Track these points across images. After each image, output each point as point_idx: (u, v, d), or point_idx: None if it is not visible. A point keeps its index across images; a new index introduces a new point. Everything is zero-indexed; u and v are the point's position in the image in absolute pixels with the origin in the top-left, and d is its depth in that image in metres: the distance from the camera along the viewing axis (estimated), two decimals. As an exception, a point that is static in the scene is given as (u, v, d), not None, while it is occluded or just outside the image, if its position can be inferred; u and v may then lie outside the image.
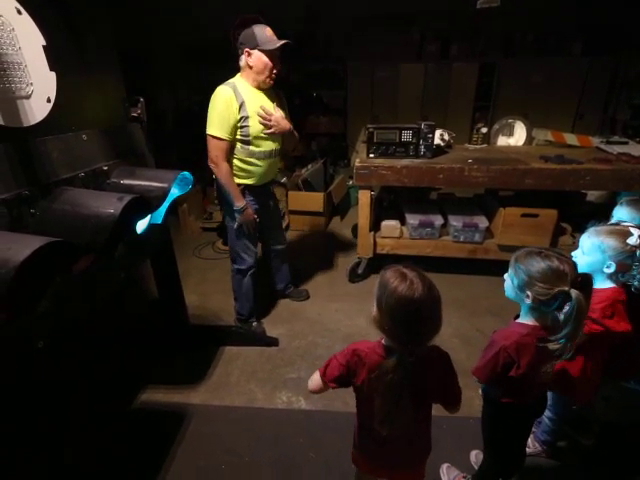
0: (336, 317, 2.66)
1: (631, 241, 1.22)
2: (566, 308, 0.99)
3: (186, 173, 1.60)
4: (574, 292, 0.96)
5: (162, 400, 1.99)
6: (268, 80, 2.06)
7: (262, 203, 2.28)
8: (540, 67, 5.34)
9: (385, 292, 0.93)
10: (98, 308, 1.66)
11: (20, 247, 0.83)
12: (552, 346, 1.04)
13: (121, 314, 1.95)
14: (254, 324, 2.52)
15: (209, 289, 3.06)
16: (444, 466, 1.61)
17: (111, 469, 1.62)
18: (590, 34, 5.08)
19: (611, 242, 1.25)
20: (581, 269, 1.05)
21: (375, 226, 3.03)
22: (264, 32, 1.97)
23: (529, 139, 3.43)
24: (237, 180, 2.13)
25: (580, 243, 1.36)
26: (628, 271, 1.26)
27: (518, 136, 3.35)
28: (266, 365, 2.24)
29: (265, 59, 1.99)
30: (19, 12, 1.13)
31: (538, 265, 1.04)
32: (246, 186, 2.16)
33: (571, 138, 3.43)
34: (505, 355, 1.12)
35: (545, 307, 1.04)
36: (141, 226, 1.53)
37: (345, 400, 1.95)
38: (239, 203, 2.09)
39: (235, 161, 2.11)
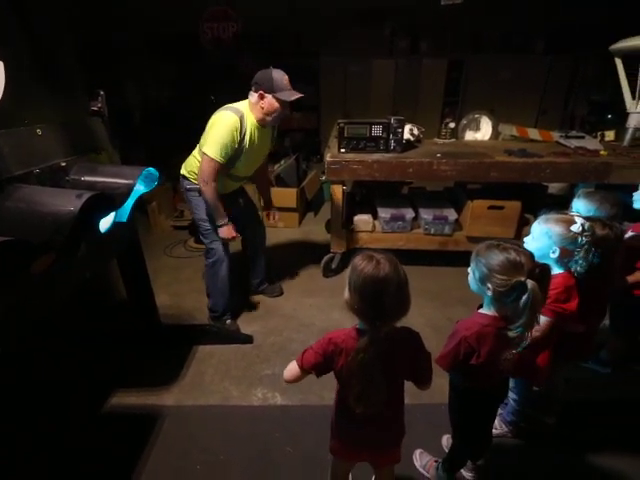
0: (311, 312, 2.68)
1: (574, 228, 1.30)
2: (523, 298, 1.03)
3: (151, 169, 1.56)
4: (530, 282, 1.01)
5: (134, 403, 1.94)
6: (274, 123, 2.16)
7: (231, 202, 2.30)
8: (506, 64, 5.52)
9: (354, 273, 0.98)
10: (62, 310, 1.59)
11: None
12: (511, 334, 1.10)
13: (87, 316, 1.88)
14: (228, 321, 2.49)
15: (181, 288, 2.99)
16: (417, 452, 1.66)
17: (83, 472, 1.58)
18: (552, 33, 5.30)
19: (556, 228, 1.33)
20: (533, 253, 1.11)
21: (348, 221, 3.06)
22: (282, 80, 2.01)
23: (495, 134, 3.54)
24: None
25: (531, 230, 1.43)
26: (571, 256, 1.34)
27: (484, 131, 3.45)
28: (241, 363, 2.22)
29: (277, 105, 2.03)
30: (-39, -3, 1.06)
31: (497, 258, 1.08)
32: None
33: (534, 133, 3.57)
34: (466, 345, 1.17)
35: (505, 298, 1.08)
36: (105, 225, 1.47)
37: (321, 394, 1.97)
38: (221, 220, 2.14)
39: None
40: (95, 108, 1.65)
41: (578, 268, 1.34)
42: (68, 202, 1.10)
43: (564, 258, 1.36)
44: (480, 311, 1.21)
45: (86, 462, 1.63)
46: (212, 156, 1.98)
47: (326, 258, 3.07)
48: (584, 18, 4.95)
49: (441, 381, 1.58)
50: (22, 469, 1.59)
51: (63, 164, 1.38)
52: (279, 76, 2.00)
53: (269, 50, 5.64)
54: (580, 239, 1.30)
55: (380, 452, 1.24)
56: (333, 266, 3.10)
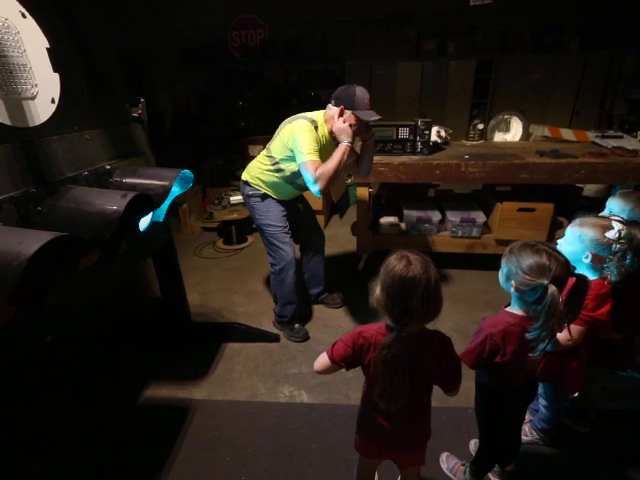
0: (336, 313, 2.70)
1: (609, 235, 1.25)
2: (542, 302, 1.03)
3: (187, 171, 1.63)
4: (551, 287, 1.00)
5: (166, 396, 2.02)
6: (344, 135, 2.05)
7: (288, 205, 2.31)
8: (537, 63, 5.37)
9: (385, 271, 1.01)
10: (103, 304, 1.70)
11: (30, 241, 0.86)
12: (528, 336, 1.10)
13: (125, 311, 1.98)
14: (297, 326, 2.47)
15: (210, 288, 3.09)
16: (444, 455, 1.64)
17: (117, 462, 1.66)
18: (586, 30, 5.11)
19: (590, 233, 1.29)
20: (568, 260, 1.09)
21: (374, 223, 3.06)
22: (364, 99, 1.98)
23: (526, 134, 3.46)
24: (263, 189, 2.22)
25: (565, 232, 1.39)
26: (604, 263, 1.29)
27: (515, 131, 3.38)
28: (268, 361, 2.27)
29: (354, 121, 2.00)
30: (24, 16, 1.17)
31: (527, 257, 1.08)
32: (269, 196, 2.24)
33: (567, 133, 3.47)
34: (491, 342, 1.16)
35: (526, 297, 1.08)
36: (143, 224, 1.56)
37: (347, 394, 1.98)
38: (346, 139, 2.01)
39: (269, 175, 2.18)
40: (136, 114, 1.76)
41: (610, 276, 1.29)
42: (114, 202, 1.18)
43: (597, 264, 1.32)
44: (507, 309, 1.20)
45: (120, 451, 1.72)
46: (310, 158, 1.93)
47: (352, 260, 3.09)
48: (620, 13, 4.76)
49: (469, 384, 1.57)
50: (58, 456, 1.69)
51: (108, 167, 1.48)
52: (362, 94, 1.98)
53: (295, 55, 5.76)
54: (614, 246, 1.26)
55: (404, 451, 1.24)
56: (359, 268, 3.11)
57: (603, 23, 4.99)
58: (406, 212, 2.99)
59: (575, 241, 1.34)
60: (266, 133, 5.02)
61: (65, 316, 1.29)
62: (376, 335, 1.07)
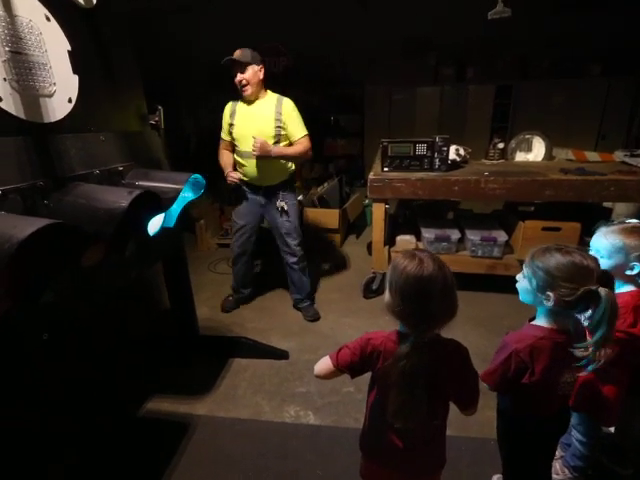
0: (349, 332, 2.58)
1: None
2: (589, 311, 0.92)
3: (198, 176, 1.63)
4: (603, 290, 0.89)
5: (167, 409, 1.94)
6: (241, 92, 2.47)
7: (263, 203, 2.58)
8: (559, 88, 5.32)
9: (395, 273, 0.92)
10: (107, 306, 1.66)
11: (25, 226, 0.84)
12: (579, 353, 0.96)
13: (131, 317, 1.95)
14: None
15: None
16: (462, 489, 1.48)
17: (110, 476, 1.57)
18: (608, 56, 5.06)
19: (633, 241, 1.17)
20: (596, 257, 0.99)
21: (390, 241, 2.98)
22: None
23: (548, 155, 3.35)
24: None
25: (594, 245, 1.26)
26: None
27: (537, 151, 3.28)
28: (275, 378, 2.17)
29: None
30: (48, 19, 1.21)
31: (560, 262, 0.97)
32: (242, 180, 2.59)
33: (593, 156, 3.34)
34: (517, 360, 1.04)
35: (571, 309, 0.96)
36: (153, 228, 1.55)
37: (356, 417, 1.85)
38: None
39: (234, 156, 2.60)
40: (153, 122, 1.79)
41: None
42: (119, 197, 1.17)
43: None
44: (534, 323, 1.08)
45: (116, 464, 1.63)
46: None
47: (367, 278, 2.99)
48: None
49: (492, 414, 1.43)
50: (53, 468, 1.62)
51: (120, 168, 1.48)
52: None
53: (317, 81, 5.92)
54: None
55: (416, 478, 1.11)
56: (374, 287, 3.01)
57: (626, 49, 4.93)
58: (423, 230, 2.91)
59: (616, 253, 1.21)
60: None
61: (64, 315, 1.25)
62: (386, 342, 0.98)
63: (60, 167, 1.22)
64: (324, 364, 1.06)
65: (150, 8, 4.59)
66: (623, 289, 1.24)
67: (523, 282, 1.08)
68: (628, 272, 1.20)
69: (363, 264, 3.58)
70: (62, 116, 1.26)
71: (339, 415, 1.87)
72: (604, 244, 1.24)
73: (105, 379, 1.77)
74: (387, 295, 0.95)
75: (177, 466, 1.62)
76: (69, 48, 1.28)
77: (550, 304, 0.99)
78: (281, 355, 2.32)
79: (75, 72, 1.31)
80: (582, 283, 0.93)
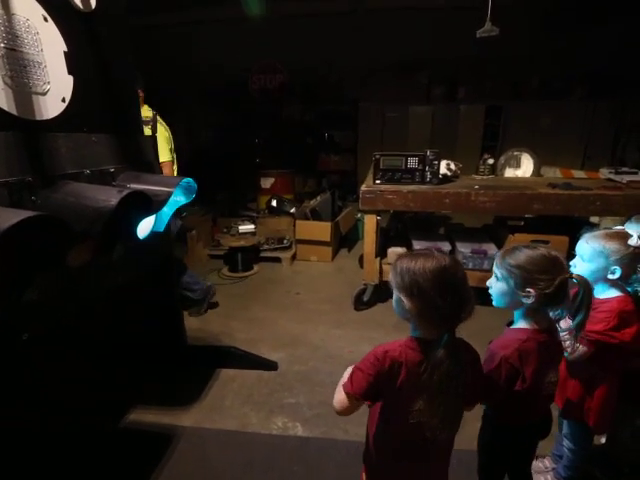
0: (339, 344, 2.55)
1: (632, 242, 1.16)
2: (580, 295, 0.96)
3: (190, 180, 1.63)
4: (578, 277, 0.93)
5: (151, 421, 1.87)
6: None
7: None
8: (546, 110, 5.49)
9: (413, 276, 0.86)
10: (93, 310, 1.63)
11: (10, 216, 0.83)
12: (565, 338, 1.04)
13: (117, 324, 1.90)
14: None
15: (210, 314, 2.99)
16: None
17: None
18: (593, 79, 5.26)
19: (613, 245, 1.19)
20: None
21: (381, 253, 2.99)
22: None
23: (537, 172, 3.44)
24: None
25: (578, 251, 1.29)
26: (630, 276, 1.19)
27: (525, 168, 3.37)
28: (263, 389, 2.12)
29: None
30: (45, 19, 1.23)
31: (531, 257, 0.99)
32: None
33: (579, 174, 3.44)
34: (507, 367, 1.02)
35: (550, 301, 0.97)
36: (143, 232, 1.53)
37: (345, 428, 1.81)
38: None
39: None
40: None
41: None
42: (110, 196, 1.16)
43: (624, 279, 1.21)
44: (514, 327, 1.08)
45: (98, 476, 1.56)
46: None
47: (358, 290, 2.98)
48: (625, 67, 4.89)
49: (475, 425, 1.41)
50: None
51: (112, 170, 1.47)
52: None
53: (311, 98, 6.04)
54: None
55: None
56: (365, 299, 2.99)
57: (610, 72, 5.13)
58: (415, 242, 2.93)
59: (597, 257, 1.23)
60: (278, 168, 5.16)
61: (47, 315, 1.22)
62: (405, 351, 0.90)
63: (50, 165, 1.22)
64: (339, 398, 0.96)
65: (146, 25, 4.70)
66: (609, 294, 1.25)
67: (497, 285, 1.08)
68: (610, 276, 1.21)
69: (354, 277, 3.56)
70: (55, 115, 1.26)
71: (328, 426, 1.83)
72: (586, 249, 1.26)
73: (87, 387, 1.71)
74: (405, 301, 0.88)
75: (159, 478, 1.56)
76: (65, 49, 1.29)
77: (530, 301, 0.99)
78: (270, 366, 2.28)
79: (70, 73, 1.32)
80: (557, 273, 0.95)
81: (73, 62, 1.32)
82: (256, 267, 3.87)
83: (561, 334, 1.09)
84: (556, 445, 1.54)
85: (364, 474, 1.11)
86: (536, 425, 1.14)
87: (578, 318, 0.96)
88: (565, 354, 1.07)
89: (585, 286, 0.93)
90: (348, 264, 3.98)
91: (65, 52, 1.29)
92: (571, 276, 0.95)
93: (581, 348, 1.18)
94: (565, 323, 1.12)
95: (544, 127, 5.56)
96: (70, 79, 1.32)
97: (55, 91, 1.26)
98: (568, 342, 1.10)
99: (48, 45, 1.23)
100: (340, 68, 5.73)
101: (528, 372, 1.02)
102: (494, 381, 1.04)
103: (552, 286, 0.94)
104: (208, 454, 1.69)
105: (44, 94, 1.21)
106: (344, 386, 0.95)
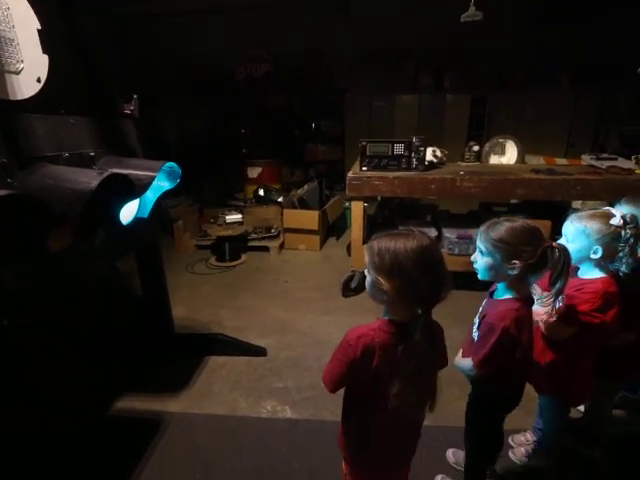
0: (327, 329, 2.57)
1: (614, 222, 1.18)
2: (560, 263, 1.00)
3: (174, 164, 1.61)
4: (557, 245, 0.97)
5: (139, 408, 1.87)
6: None
7: None
8: (531, 100, 5.55)
9: (394, 256, 0.86)
10: (79, 299, 1.61)
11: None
12: (546, 303, 1.08)
13: (103, 311, 1.89)
14: None
15: (199, 302, 2.98)
16: (438, 477, 1.48)
17: (80, 475, 1.50)
18: (575, 69, 5.33)
19: (595, 225, 1.21)
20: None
21: (369, 239, 3.01)
22: None
23: (521, 159, 3.48)
24: None
25: (564, 231, 1.31)
26: (614, 256, 1.21)
27: (510, 155, 3.41)
28: (252, 375, 2.13)
29: None
30: (16, -5, 1.18)
31: (513, 229, 1.03)
32: None
33: (562, 161, 3.50)
34: (508, 336, 1.04)
35: (535, 270, 1.01)
36: (126, 217, 1.51)
37: (333, 409, 1.82)
38: None
39: None
40: (128, 111, 1.76)
41: (623, 267, 1.21)
42: (90, 178, 1.14)
43: (607, 258, 1.23)
44: (503, 298, 1.11)
45: (85, 463, 1.55)
46: None
47: (346, 277, 2.98)
48: (606, 58, 4.97)
49: (460, 404, 1.45)
50: (23, 466, 1.53)
51: (92, 154, 1.45)
52: None
53: (297, 87, 5.98)
54: (624, 233, 1.18)
55: (402, 467, 1.09)
56: (352, 285, 3.00)
57: (593, 62, 5.20)
58: (401, 228, 2.94)
59: (580, 237, 1.25)
60: (265, 157, 5.12)
61: (27, 301, 1.20)
62: (378, 334, 0.91)
63: (27, 146, 1.19)
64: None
65: (137, 13, 4.57)
66: (594, 274, 1.27)
67: (483, 260, 1.11)
68: (592, 256, 1.24)
69: (343, 265, 3.58)
70: (29, 95, 1.22)
71: (316, 409, 1.85)
72: (570, 229, 1.29)
73: (73, 375, 1.70)
74: (382, 282, 0.87)
75: (147, 463, 1.56)
76: (39, 27, 1.25)
77: (516, 272, 1.03)
78: (259, 352, 2.29)
79: (45, 52, 1.27)
80: (538, 243, 1.00)
81: (48, 41, 1.28)
82: (244, 256, 3.86)
83: (540, 300, 1.12)
84: (537, 419, 1.59)
85: (345, 464, 1.10)
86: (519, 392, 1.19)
87: (557, 285, 1.00)
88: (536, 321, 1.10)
89: (564, 254, 0.97)
90: (336, 252, 3.99)
91: (39, 30, 1.25)
92: (551, 245, 0.98)
93: (557, 318, 1.21)
94: (537, 290, 1.17)
95: (529, 117, 5.61)
96: (45, 58, 1.28)
97: (29, 70, 1.22)
98: (546, 308, 1.13)
99: (20, 22, 1.19)
100: (327, 57, 5.66)
101: (524, 339, 1.05)
102: (493, 353, 1.06)
103: (535, 256, 0.98)
104: (197, 438, 1.69)
105: (17, 73, 1.18)
106: (322, 378, 0.99)
